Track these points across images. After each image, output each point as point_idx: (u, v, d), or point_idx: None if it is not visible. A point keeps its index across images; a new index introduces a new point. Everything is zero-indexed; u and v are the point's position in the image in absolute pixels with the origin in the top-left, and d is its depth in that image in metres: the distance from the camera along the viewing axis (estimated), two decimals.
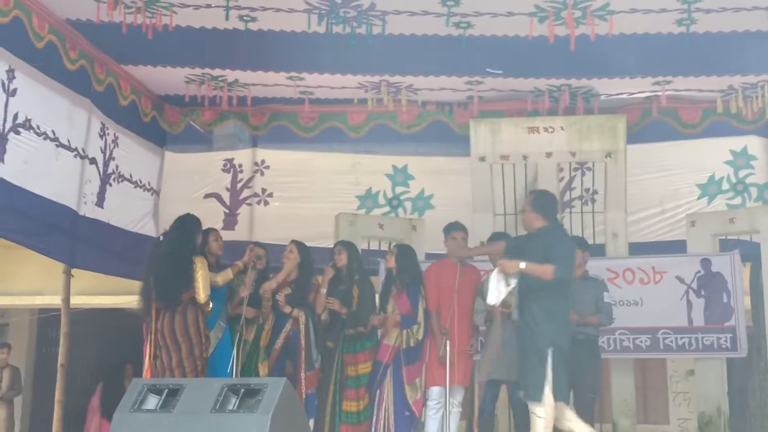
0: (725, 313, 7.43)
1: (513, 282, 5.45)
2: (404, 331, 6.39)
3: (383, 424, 6.34)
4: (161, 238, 6.60)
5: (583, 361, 6.26)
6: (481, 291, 6.40)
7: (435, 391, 6.35)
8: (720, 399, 7.43)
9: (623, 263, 7.63)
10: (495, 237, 6.66)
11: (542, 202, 5.71)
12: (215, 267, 6.41)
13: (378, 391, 6.40)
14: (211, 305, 5.91)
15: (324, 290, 6.59)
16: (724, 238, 7.85)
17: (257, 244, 6.99)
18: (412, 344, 6.37)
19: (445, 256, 6.64)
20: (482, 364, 6.42)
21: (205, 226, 8.00)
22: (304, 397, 6.35)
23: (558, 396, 5.30)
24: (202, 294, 5.81)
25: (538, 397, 5.30)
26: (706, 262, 7.52)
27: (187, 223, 6.24)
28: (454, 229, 6.55)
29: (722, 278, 7.48)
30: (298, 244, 6.79)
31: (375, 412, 6.38)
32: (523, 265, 5.34)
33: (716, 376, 7.51)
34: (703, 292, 7.49)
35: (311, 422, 6.37)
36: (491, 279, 5.55)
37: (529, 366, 5.38)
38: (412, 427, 6.41)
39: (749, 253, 7.65)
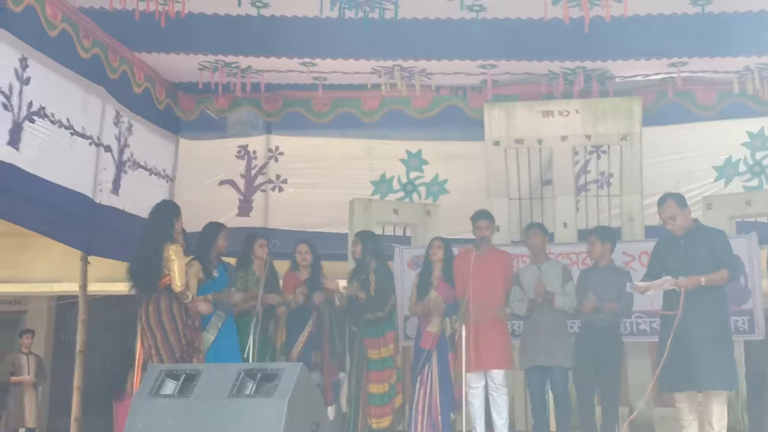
0: (742, 295, 7.36)
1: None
2: (446, 319, 6.59)
3: (425, 407, 6.49)
4: None
5: (607, 347, 6.38)
6: (516, 279, 6.56)
7: (468, 376, 6.52)
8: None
9: (639, 246, 7.55)
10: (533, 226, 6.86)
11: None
12: (215, 263, 6.48)
13: (419, 377, 6.57)
14: (189, 296, 5.86)
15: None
16: (741, 220, 7.78)
17: (258, 232, 7.18)
18: (450, 332, 6.57)
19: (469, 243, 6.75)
20: (525, 351, 6.51)
21: (220, 213, 8.13)
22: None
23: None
24: (177, 282, 5.75)
25: (735, 384, 5.86)
26: None
27: (162, 210, 6.20)
28: (477, 217, 6.69)
29: (739, 261, 7.41)
30: (311, 245, 7.00)
31: (416, 396, 6.55)
32: (703, 280, 5.59)
33: None
34: None
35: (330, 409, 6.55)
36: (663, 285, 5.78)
37: (717, 356, 5.58)
38: (451, 410, 6.58)
39: (767, 235, 7.59)
